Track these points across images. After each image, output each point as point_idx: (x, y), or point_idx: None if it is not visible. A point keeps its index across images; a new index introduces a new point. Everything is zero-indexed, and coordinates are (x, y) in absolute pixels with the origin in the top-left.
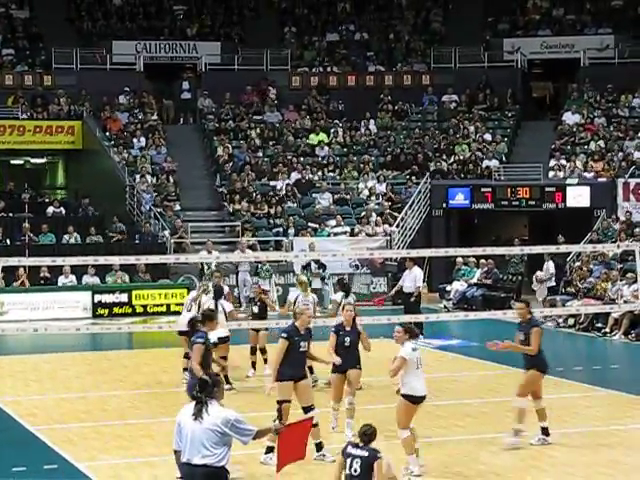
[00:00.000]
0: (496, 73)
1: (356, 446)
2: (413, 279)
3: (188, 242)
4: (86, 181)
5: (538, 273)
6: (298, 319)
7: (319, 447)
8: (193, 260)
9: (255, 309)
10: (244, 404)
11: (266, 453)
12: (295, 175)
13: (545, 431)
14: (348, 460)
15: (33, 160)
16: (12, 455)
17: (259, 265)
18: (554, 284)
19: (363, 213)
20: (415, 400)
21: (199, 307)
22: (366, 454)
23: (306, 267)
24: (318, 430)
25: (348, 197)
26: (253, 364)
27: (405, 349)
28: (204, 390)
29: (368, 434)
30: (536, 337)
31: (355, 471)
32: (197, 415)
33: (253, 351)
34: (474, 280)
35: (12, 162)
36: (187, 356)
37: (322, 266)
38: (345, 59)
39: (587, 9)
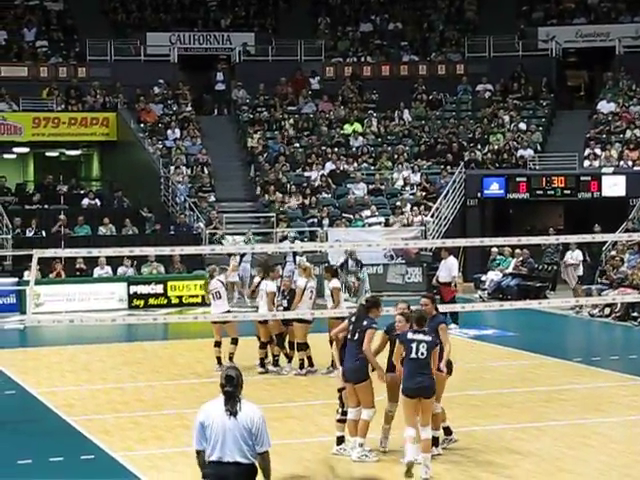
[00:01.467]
0: (531, 62)
1: (416, 332)
2: (449, 269)
3: (222, 233)
4: (121, 173)
5: (567, 257)
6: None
7: (339, 441)
8: (228, 251)
9: (284, 303)
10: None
11: (338, 444)
12: (329, 165)
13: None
14: (413, 345)
15: (68, 152)
16: (49, 446)
17: (296, 259)
18: (581, 273)
19: (398, 203)
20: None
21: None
22: (429, 338)
23: (342, 266)
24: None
25: (382, 187)
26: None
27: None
28: (237, 385)
29: (424, 318)
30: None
31: (422, 355)
32: (232, 411)
33: (282, 344)
34: (509, 270)
35: (47, 154)
36: (217, 344)
37: (358, 263)
38: (379, 49)
39: None
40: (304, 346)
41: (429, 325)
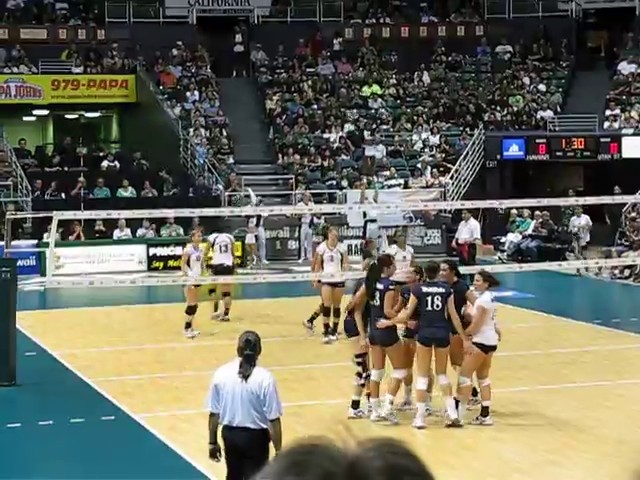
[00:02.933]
0: (550, 23)
1: (429, 284)
2: (470, 231)
3: (242, 195)
4: (140, 135)
5: (571, 224)
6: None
7: (356, 405)
8: (247, 212)
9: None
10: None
11: (354, 408)
12: (348, 127)
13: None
14: (428, 298)
15: (87, 114)
16: (70, 407)
17: (313, 220)
18: (588, 239)
19: (418, 165)
20: (487, 349)
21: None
22: (442, 290)
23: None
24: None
25: (402, 149)
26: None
27: (484, 298)
28: (256, 349)
29: (434, 268)
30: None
31: (437, 307)
32: (245, 375)
33: (328, 312)
34: (529, 232)
35: (67, 117)
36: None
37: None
38: (398, 10)
39: None
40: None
41: (455, 293)
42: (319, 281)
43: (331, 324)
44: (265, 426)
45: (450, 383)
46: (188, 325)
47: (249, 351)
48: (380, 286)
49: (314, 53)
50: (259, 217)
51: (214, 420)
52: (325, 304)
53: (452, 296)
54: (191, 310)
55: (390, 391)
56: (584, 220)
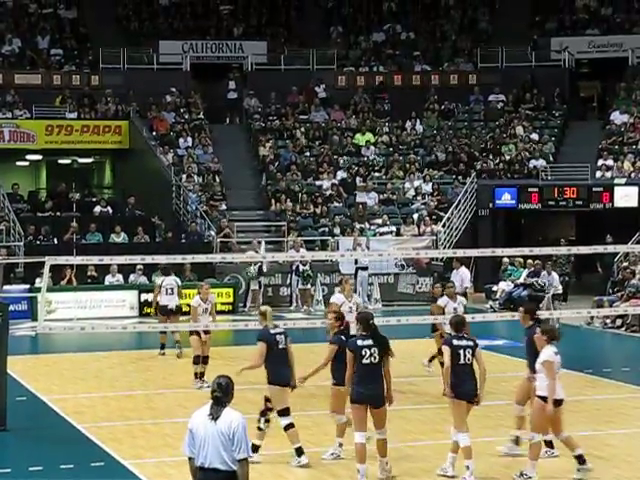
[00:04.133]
0: (543, 72)
1: (459, 338)
2: (460, 279)
3: (234, 241)
4: (133, 181)
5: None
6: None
7: (299, 452)
8: (239, 259)
9: None
10: None
11: (299, 456)
12: (341, 174)
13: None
14: (461, 352)
15: (81, 160)
16: (59, 452)
17: (300, 266)
18: (560, 291)
19: (415, 215)
20: (555, 403)
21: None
22: (471, 343)
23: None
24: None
25: (394, 197)
26: None
27: (547, 352)
28: (227, 392)
29: (463, 322)
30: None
31: (469, 360)
32: (214, 416)
33: None
34: (520, 280)
35: (60, 162)
36: (197, 361)
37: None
38: (391, 58)
39: (635, 8)
40: None
41: (526, 334)
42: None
43: None
44: (234, 468)
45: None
46: (198, 375)
47: (218, 393)
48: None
49: (307, 100)
50: (261, 266)
51: (192, 464)
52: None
53: (479, 349)
54: (197, 360)
55: (380, 454)
56: (552, 278)
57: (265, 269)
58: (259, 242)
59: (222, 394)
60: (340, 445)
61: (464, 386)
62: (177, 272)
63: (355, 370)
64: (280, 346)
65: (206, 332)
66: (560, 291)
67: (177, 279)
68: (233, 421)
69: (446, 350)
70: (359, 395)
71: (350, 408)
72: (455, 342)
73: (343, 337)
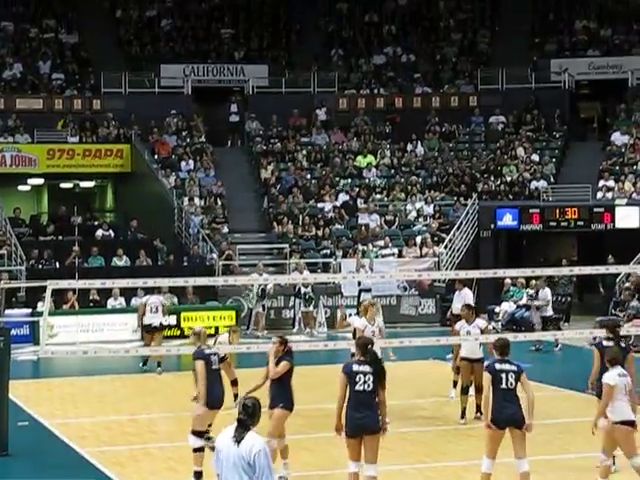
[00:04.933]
0: (543, 94)
1: (502, 362)
2: (463, 301)
3: (236, 264)
4: (135, 204)
5: (536, 302)
6: None
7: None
8: (241, 282)
9: None
10: None
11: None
12: (342, 197)
13: None
14: (502, 376)
15: (82, 183)
16: (62, 478)
17: (301, 289)
18: (551, 313)
19: (417, 237)
20: (633, 424)
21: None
22: (515, 368)
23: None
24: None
25: (396, 219)
26: None
27: (609, 374)
28: (252, 415)
29: (507, 345)
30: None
31: (511, 385)
32: (237, 438)
33: None
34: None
35: (62, 186)
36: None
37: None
38: (392, 81)
39: (635, 29)
40: None
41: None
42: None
43: None
44: None
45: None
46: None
47: (243, 416)
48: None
49: (309, 123)
50: (263, 289)
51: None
52: None
53: (524, 373)
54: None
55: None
56: (545, 294)
57: (270, 291)
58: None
59: (247, 417)
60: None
61: (504, 411)
62: (179, 295)
63: (348, 397)
64: (214, 367)
65: (222, 359)
66: (549, 308)
67: (161, 298)
68: (255, 446)
69: (487, 377)
70: (353, 426)
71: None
72: (498, 366)
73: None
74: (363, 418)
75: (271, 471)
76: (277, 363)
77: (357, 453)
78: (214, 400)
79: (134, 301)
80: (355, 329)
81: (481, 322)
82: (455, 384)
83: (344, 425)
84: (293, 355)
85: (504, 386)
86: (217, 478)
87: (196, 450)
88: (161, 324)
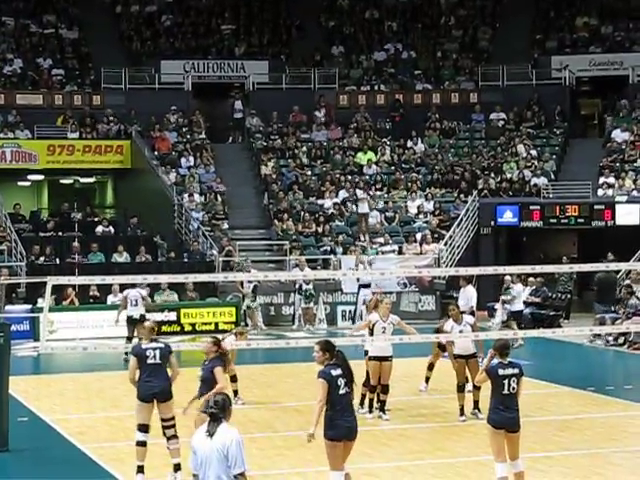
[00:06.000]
0: (544, 91)
1: (505, 366)
2: (466, 298)
3: (236, 260)
4: (135, 200)
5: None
6: None
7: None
8: (241, 279)
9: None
10: None
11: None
12: (343, 193)
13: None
14: (505, 382)
15: (82, 179)
16: (62, 473)
17: (302, 286)
18: (521, 307)
19: (417, 234)
20: None
21: None
22: (517, 370)
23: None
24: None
25: (396, 215)
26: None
27: None
28: (222, 409)
29: (507, 346)
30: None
31: (513, 389)
32: (210, 432)
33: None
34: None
35: (62, 182)
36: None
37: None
38: (392, 77)
39: (636, 26)
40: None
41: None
42: (366, 353)
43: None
44: None
45: (523, 472)
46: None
47: (214, 409)
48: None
49: (310, 120)
50: (256, 286)
51: None
52: (371, 381)
53: (523, 377)
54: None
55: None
56: (517, 289)
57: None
58: (245, 261)
59: (218, 410)
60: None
61: (502, 414)
62: (179, 291)
63: (330, 402)
64: (149, 361)
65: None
66: (517, 302)
67: (142, 291)
68: (227, 438)
69: (486, 378)
70: (340, 430)
71: (327, 446)
72: (501, 372)
73: (221, 362)
74: (350, 422)
75: (244, 461)
76: (210, 365)
77: (343, 461)
78: (147, 394)
79: (110, 298)
80: (372, 325)
81: (470, 318)
82: (427, 379)
83: (328, 430)
84: (227, 357)
85: (506, 391)
86: (194, 478)
87: (137, 444)
88: (141, 316)
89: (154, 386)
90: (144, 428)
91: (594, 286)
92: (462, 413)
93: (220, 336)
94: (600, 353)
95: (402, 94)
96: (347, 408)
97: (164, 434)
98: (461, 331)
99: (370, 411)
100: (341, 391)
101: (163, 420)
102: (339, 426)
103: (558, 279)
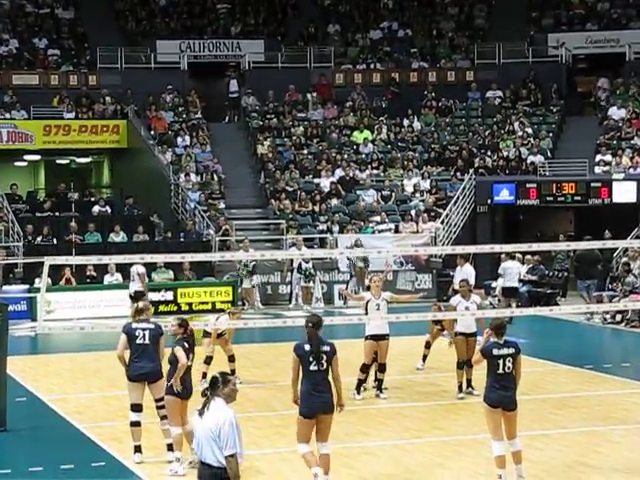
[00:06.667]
0: (540, 68)
1: (499, 346)
2: (464, 276)
3: (233, 240)
4: (131, 180)
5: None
6: None
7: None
8: (238, 258)
9: None
10: None
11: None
12: (339, 172)
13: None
14: (500, 362)
15: (79, 159)
16: (60, 453)
17: (302, 265)
18: (514, 284)
19: (413, 212)
20: None
21: None
22: (512, 350)
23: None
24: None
25: (392, 194)
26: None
27: None
28: (214, 386)
29: (503, 325)
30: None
31: (508, 369)
32: (201, 412)
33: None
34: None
35: (58, 162)
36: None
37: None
38: (388, 56)
39: (632, 3)
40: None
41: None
42: (366, 337)
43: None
44: (224, 464)
45: (520, 450)
46: (204, 375)
47: (207, 389)
48: (326, 348)
49: (321, 96)
50: (254, 266)
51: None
52: (365, 361)
53: (520, 355)
54: (209, 360)
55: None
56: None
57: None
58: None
59: (210, 389)
60: (178, 460)
61: (498, 392)
62: (176, 271)
63: (303, 378)
64: (138, 341)
65: (220, 335)
66: (510, 279)
67: (138, 267)
68: (220, 416)
69: (482, 359)
70: (311, 407)
71: (297, 421)
72: (495, 352)
73: (186, 344)
74: (321, 398)
75: (235, 441)
76: (174, 346)
77: (310, 435)
78: (135, 374)
79: (107, 278)
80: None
81: (477, 297)
82: (425, 358)
83: (302, 409)
84: (193, 339)
85: (501, 371)
86: (195, 455)
87: (131, 424)
88: (136, 292)
89: (143, 367)
90: (137, 407)
91: (575, 262)
92: (460, 390)
93: (215, 316)
94: (597, 331)
95: (398, 72)
96: (321, 384)
97: (158, 414)
98: (467, 308)
99: (358, 392)
100: (312, 367)
101: (155, 400)
102: (311, 403)
103: (555, 257)
